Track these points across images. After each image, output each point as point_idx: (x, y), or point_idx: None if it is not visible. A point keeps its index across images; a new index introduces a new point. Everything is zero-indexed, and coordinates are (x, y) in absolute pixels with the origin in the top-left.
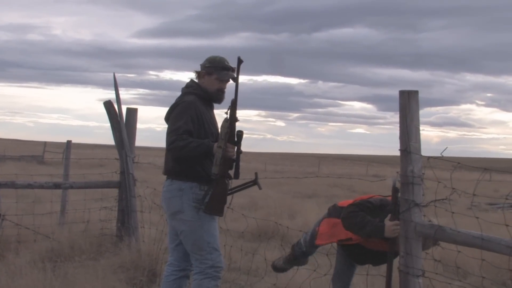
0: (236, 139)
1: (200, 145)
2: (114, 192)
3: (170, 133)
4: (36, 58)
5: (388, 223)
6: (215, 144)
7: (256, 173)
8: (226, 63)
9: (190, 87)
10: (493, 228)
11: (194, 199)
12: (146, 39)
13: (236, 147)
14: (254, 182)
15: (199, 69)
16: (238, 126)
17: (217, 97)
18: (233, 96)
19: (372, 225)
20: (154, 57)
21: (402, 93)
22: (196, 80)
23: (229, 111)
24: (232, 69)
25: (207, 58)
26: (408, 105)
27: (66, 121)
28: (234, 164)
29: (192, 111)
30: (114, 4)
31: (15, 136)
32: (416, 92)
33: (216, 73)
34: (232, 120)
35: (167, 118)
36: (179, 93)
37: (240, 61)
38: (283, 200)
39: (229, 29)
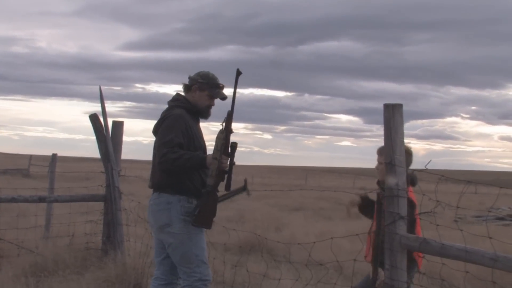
0: (230, 151)
1: (193, 157)
2: (100, 205)
3: (161, 146)
4: (21, 71)
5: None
6: (209, 156)
7: (245, 179)
8: (219, 81)
9: (177, 100)
10: (478, 240)
11: (182, 212)
12: (132, 51)
13: (229, 159)
14: (243, 189)
15: (186, 81)
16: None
17: (206, 112)
18: (225, 109)
19: None
20: (140, 70)
21: (387, 106)
22: (182, 93)
23: (224, 123)
24: (223, 87)
25: (198, 73)
26: (392, 118)
27: (52, 134)
28: (226, 175)
29: (182, 124)
30: (100, 17)
31: (0, 149)
32: (400, 105)
33: (208, 90)
34: (227, 131)
35: (156, 131)
36: (165, 106)
37: (238, 73)
38: (270, 213)
39: (214, 42)
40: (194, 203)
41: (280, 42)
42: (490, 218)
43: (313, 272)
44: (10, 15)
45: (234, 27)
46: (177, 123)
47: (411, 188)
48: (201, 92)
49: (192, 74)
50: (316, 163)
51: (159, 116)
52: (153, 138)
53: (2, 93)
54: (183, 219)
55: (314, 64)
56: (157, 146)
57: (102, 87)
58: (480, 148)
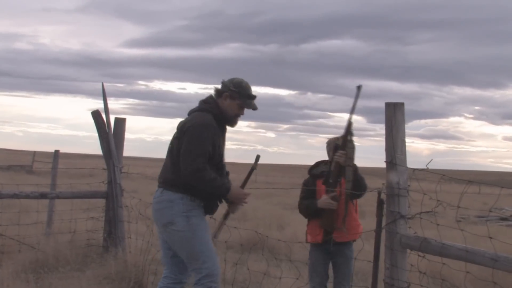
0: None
1: (221, 186)
2: (102, 202)
3: (196, 157)
4: (25, 67)
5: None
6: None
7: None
8: (251, 92)
9: (208, 104)
10: (481, 241)
11: (185, 209)
12: (135, 49)
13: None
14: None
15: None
16: (229, 137)
17: (233, 121)
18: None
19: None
20: (143, 67)
21: (388, 105)
22: (214, 97)
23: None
24: (255, 98)
25: (232, 79)
26: (394, 117)
27: (56, 131)
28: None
29: (212, 133)
30: (103, 14)
31: (4, 145)
32: (402, 104)
33: (240, 99)
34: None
35: (184, 131)
36: (168, 103)
37: (359, 88)
38: (272, 211)
39: (217, 40)
40: (197, 202)
41: (283, 40)
42: (493, 218)
43: None
44: (13, 12)
45: (237, 25)
46: (208, 132)
47: None
48: (232, 101)
49: (226, 79)
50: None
51: (162, 114)
52: (157, 136)
53: (6, 89)
54: (186, 216)
55: (316, 62)
56: (188, 151)
57: (105, 84)
58: (484, 148)
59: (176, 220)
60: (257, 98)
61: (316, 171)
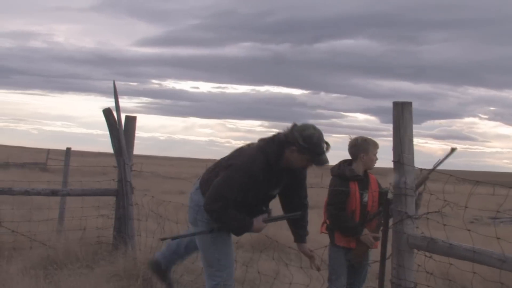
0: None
1: (242, 228)
2: (113, 200)
3: (219, 198)
4: (39, 66)
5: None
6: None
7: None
8: (323, 146)
9: (270, 144)
10: (493, 242)
11: (207, 218)
12: (148, 47)
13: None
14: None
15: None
16: (242, 137)
17: (299, 171)
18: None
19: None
20: (156, 66)
21: (396, 104)
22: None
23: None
24: (328, 149)
25: (302, 132)
26: (401, 116)
27: (70, 129)
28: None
29: (247, 179)
30: (116, 13)
31: (19, 143)
32: (410, 103)
33: (309, 155)
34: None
35: (226, 166)
36: (182, 102)
37: (453, 151)
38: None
39: (230, 39)
40: None
41: (296, 39)
42: (508, 220)
43: (323, 276)
44: (28, 10)
45: (250, 24)
46: (244, 178)
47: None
48: (300, 155)
49: (297, 124)
50: (332, 161)
51: (176, 112)
52: (170, 135)
53: (21, 88)
54: (207, 223)
55: (330, 62)
56: (213, 190)
57: (119, 83)
58: (499, 149)
59: (198, 224)
60: (270, 98)
61: (350, 173)
